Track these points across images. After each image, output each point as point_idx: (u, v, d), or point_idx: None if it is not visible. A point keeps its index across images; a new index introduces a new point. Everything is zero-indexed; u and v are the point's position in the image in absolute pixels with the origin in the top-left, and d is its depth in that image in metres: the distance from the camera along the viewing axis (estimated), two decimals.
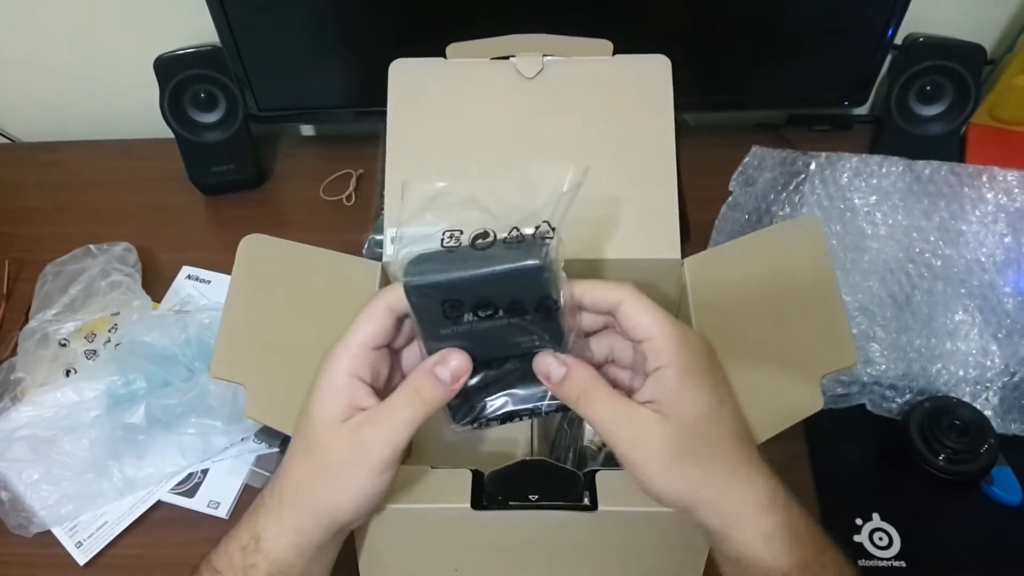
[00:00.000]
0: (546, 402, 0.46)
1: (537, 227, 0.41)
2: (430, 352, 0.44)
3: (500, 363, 0.45)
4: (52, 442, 0.70)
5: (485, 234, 0.41)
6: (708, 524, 0.44)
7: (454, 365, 0.43)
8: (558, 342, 0.44)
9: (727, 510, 0.43)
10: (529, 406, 0.47)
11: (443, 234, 0.42)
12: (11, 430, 0.71)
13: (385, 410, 0.43)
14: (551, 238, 0.41)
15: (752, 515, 0.43)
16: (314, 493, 0.44)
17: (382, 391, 0.45)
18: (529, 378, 0.46)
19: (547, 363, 0.44)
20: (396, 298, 0.43)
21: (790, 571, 0.42)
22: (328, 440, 0.43)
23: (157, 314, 0.81)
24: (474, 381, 0.45)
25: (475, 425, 0.47)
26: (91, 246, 0.84)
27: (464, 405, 0.47)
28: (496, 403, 0.46)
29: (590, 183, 0.66)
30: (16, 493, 0.69)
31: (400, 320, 0.45)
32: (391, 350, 0.47)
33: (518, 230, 0.41)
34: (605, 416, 0.43)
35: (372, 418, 0.43)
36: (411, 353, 0.49)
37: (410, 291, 0.41)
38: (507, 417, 0.47)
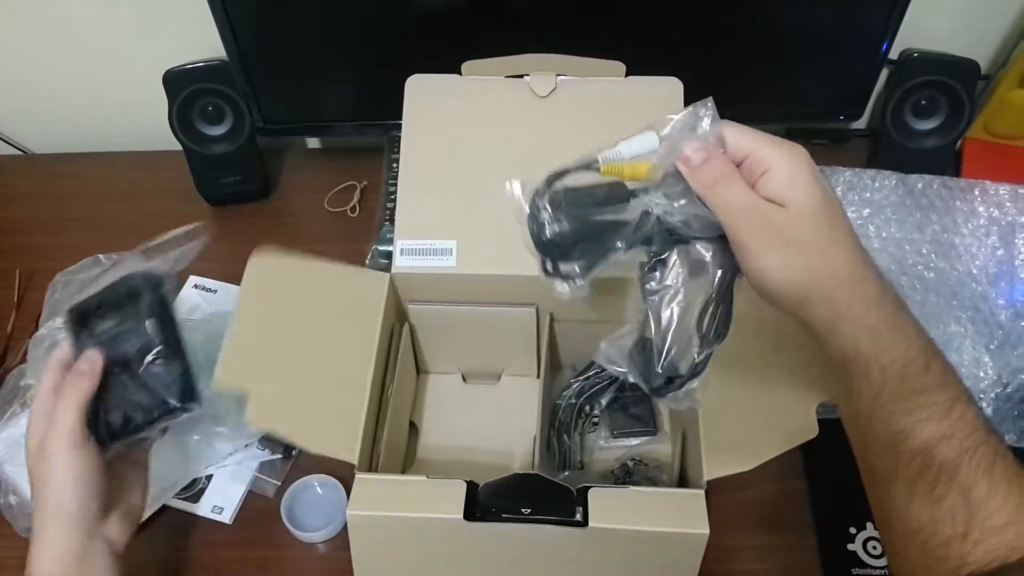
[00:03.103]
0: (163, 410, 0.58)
1: None
2: None
3: (116, 381, 0.58)
4: None
5: None
6: (819, 318, 0.43)
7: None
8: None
9: (840, 302, 0.42)
10: (143, 417, 0.59)
11: None
12: (20, 435, 0.72)
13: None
14: None
15: (861, 308, 0.42)
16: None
17: None
18: (142, 392, 0.59)
19: (691, 147, 0.43)
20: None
21: (889, 365, 0.42)
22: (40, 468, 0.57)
23: None
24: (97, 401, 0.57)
25: (102, 443, 0.58)
26: (100, 256, 0.86)
27: (94, 422, 0.58)
28: (113, 418, 0.59)
29: None
30: (24, 497, 0.71)
31: None
32: None
33: None
34: (735, 204, 0.42)
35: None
36: None
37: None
38: (125, 431, 0.59)
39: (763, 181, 0.43)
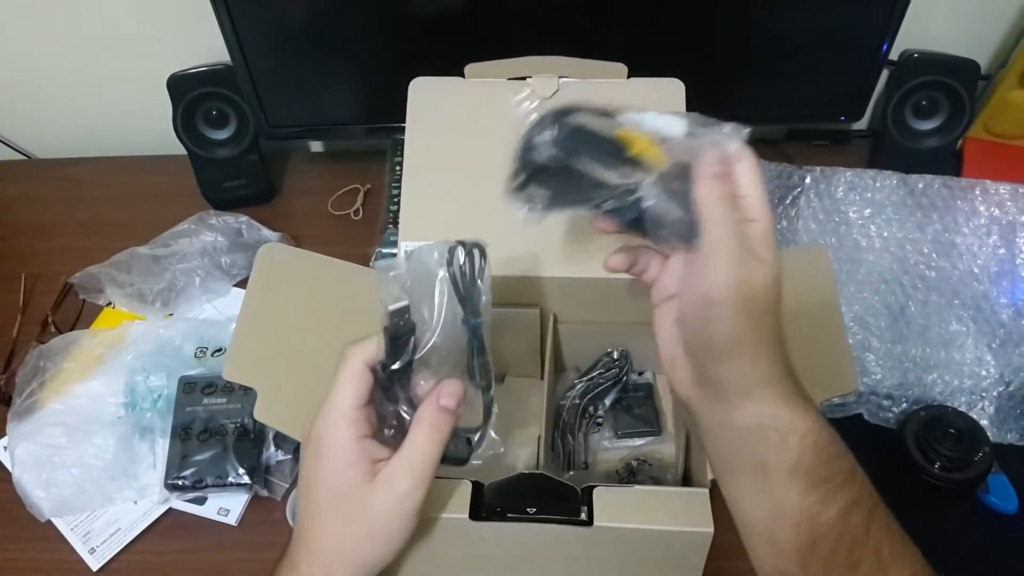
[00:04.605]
0: None
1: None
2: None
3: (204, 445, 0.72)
4: (74, 435, 0.73)
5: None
6: (740, 375, 0.43)
7: (454, 391, 0.46)
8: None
9: (765, 365, 0.43)
10: (212, 480, 0.70)
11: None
12: (41, 417, 0.75)
13: (415, 457, 0.45)
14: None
15: (780, 376, 0.44)
16: (364, 555, 0.46)
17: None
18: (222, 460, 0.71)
19: (716, 156, 0.43)
20: (370, 353, 0.46)
21: (806, 434, 0.43)
22: (366, 502, 0.45)
23: (176, 321, 0.84)
24: None
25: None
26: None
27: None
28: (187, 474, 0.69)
29: None
30: (35, 479, 0.72)
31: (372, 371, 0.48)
32: None
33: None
34: (729, 226, 0.42)
35: (403, 468, 0.45)
36: None
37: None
38: (193, 487, 0.70)
39: (747, 227, 0.43)
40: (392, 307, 0.45)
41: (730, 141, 0.43)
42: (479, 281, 0.46)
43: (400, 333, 0.45)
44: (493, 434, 0.49)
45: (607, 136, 0.45)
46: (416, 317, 0.45)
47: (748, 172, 0.44)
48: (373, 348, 0.46)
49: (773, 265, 0.43)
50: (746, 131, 0.43)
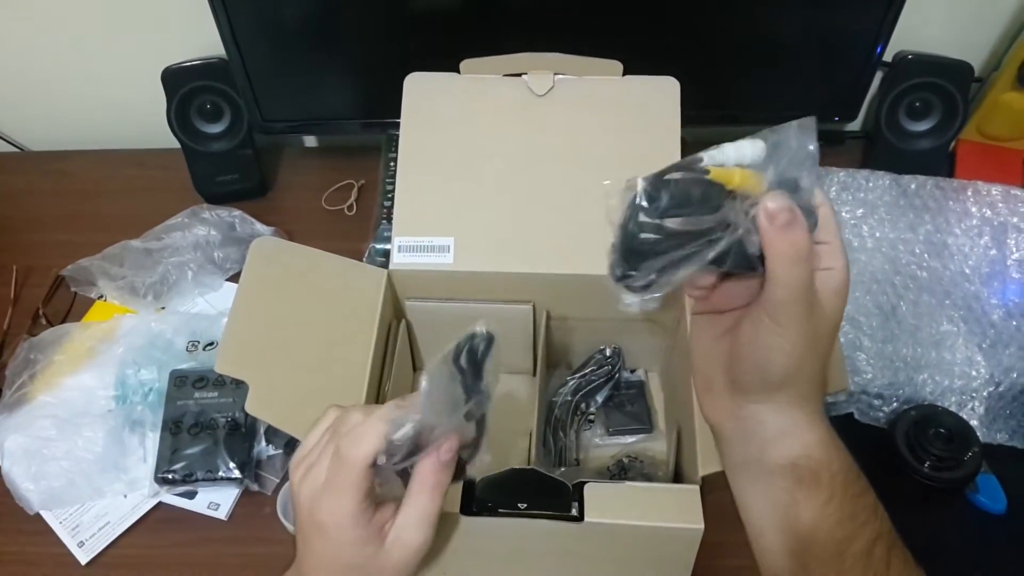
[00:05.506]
0: None
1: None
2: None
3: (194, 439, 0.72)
4: (64, 428, 0.73)
5: None
6: (781, 414, 0.44)
7: (452, 446, 0.47)
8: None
9: (807, 407, 0.44)
10: (202, 475, 0.70)
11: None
12: (31, 409, 0.74)
13: (420, 513, 0.47)
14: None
15: (819, 416, 0.45)
16: None
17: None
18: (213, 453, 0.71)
19: (779, 202, 0.40)
20: (372, 453, 0.45)
21: (838, 472, 0.43)
22: (383, 563, 0.46)
23: (168, 315, 0.84)
24: None
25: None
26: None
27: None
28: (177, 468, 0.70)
29: (595, 201, 0.67)
30: (25, 471, 0.71)
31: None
32: None
33: None
34: (801, 285, 0.40)
35: (412, 525, 0.47)
36: None
37: None
38: (183, 482, 0.70)
39: (819, 276, 0.42)
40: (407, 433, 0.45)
41: (805, 142, 0.40)
42: (485, 372, 0.46)
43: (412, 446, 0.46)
44: (484, 451, 0.50)
45: (704, 180, 0.41)
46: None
47: (827, 220, 0.42)
48: (374, 446, 0.45)
49: (838, 313, 0.43)
50: (813, 122, 0.40)
